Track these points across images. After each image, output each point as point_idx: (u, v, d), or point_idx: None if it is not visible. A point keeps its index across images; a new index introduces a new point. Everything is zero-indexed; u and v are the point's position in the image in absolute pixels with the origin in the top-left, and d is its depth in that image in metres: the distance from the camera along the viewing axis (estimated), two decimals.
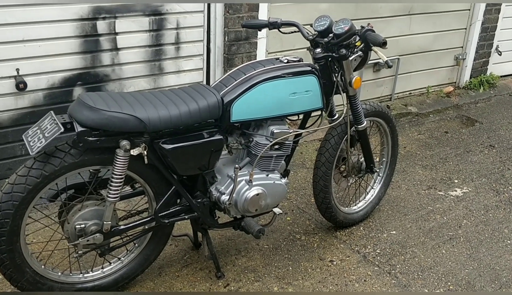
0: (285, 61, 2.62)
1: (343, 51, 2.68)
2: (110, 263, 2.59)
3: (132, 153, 2.21)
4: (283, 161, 2.78)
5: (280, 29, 2.91)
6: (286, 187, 2.74)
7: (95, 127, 2.14)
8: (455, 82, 6.06)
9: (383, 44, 2.49)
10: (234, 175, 2.48)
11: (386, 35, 5.10)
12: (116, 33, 3.60)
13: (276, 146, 2.66)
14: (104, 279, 2.53)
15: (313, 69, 2.64)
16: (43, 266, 2.38)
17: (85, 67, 3.55)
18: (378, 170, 3.28)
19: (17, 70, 3.30)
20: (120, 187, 2.27)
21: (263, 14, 4.14)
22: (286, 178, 2.79)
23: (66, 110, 2.26)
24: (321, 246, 3.11)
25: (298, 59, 2.67)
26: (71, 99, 3.55)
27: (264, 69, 2.54)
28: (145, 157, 2.25)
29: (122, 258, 2.60)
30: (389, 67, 2.54)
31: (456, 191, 3.85)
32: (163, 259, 2.89)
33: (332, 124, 2.86)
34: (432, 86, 5.82)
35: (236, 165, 2.47)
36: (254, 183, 2.60)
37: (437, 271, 2.95)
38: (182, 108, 2.30)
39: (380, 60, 5.06)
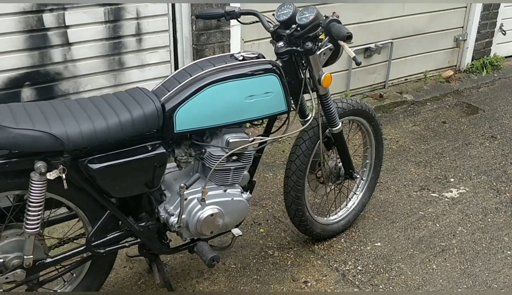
0: (240, 58, 2.24)
1: (309, 44, 2.29)
2: None
3: (48, 177, 1.85)
4: (245, 172, 2.42)
5: (239, 19, 2.52)
6: (248, 203, 2.38)
7: (1, 147, 1.78)
8: (455, 66, 5.63)
9: (347, 38, 2.10)
10: (180, 194, 2.12)
11: (377, 17, 4.72)
12: (67, 26, 3.22)
13: (234, 157, 2.29)
14: None
15: (274, 67, 2.26)
16: None
17: (33, 65, 3.18)
18: (358, 176, 2.90)
19: None
20: (38, 216, 1.92)
21: None
22: (248, 192, 2.42)
23: None
24: (296, 264, 2.76)
25: (256, 55, 2.28)
26: (19, 100, 3.19)
27: (214, 69, 2.16)
28: (64, 181, 1.88)
29: (59, 291, 2.26)
30: (357, 64, 2.15)
31: (451, 192, 3.47)
32: (113, 285, 2.55)
33: (301, 128, 2.48)
34: (430, 71, 5.39)
35: (182, 184, 2.11)
36: (208, 201, 2.24)
37: (426, 292, 2.59)
38: (111, 120, 1.94)
39: (371, 45, 4.75)
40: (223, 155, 2.22)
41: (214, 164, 2.21)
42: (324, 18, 2.24)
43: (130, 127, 1.97)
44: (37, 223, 1.92)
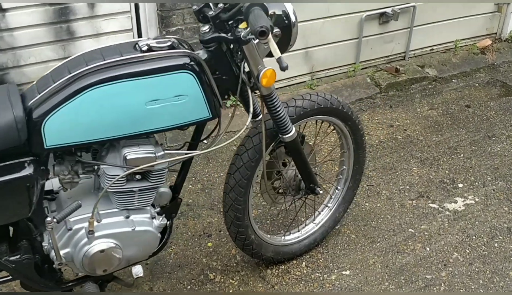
0: (145, 48, 1.69)
1: (241, 30, 1.71)
2: None
3: None
4: (164, 189, 1.91)
5: None
6: (157, 232, 1.88)
7: None
8: (495, 34, 4.79)
9: (259, 34, 1.50)
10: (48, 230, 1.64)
11: None
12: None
13: (139, 176, 1.78)
14: None
15: (189, 62, 1.69)
16: None
17: None
18: (321, 191, 2.32)
19: None
20: None
21: None
22: (164, 215, 1.92)
23: None
24: (238, 294, 2.27)
25: (169, 43, 1.72)
26: None
27: (101, 65, 1.63)
28: None
29: None
30: (282, 69, 1.57)
31: (455, 202, 2.85)
32: None
33: (233, 137, 1.90)
34: (462, 40, 4.60)
35: (49, 218, 1.62)
36: (98, 233, 1.76)
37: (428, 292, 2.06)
38: None
39: (387, 10, 4.02)
40: (119, 175, 1.72)
41: (107, 185, 1.72)
42: None
43: None
44: None
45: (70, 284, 1.90)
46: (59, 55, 3.02)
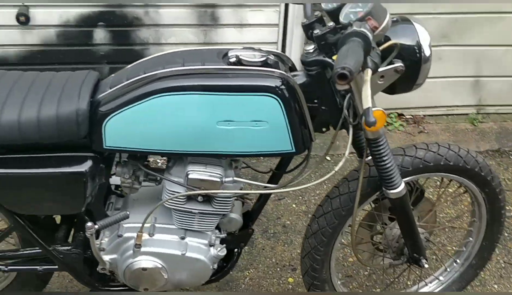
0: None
1: (371, 57, 1.36)
2: None
3: None
4: (234, 216, 1.68)
5: None
6: (209, 262, 1.65)
7: None
8: None
9: (338, 77, 1.12)
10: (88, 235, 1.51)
11: None
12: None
13: (200, 198, 1.57)
14: None
15: (279, 86, 1.41)
16: None
17: (108, 5, 2.78)
18: (426, 265, 1.85)
19: None
20: None
21: None
22: (223, 246, 1.68)
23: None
24: None
25: (263, 58, 1.46)
26: (92, 42, 2.87)
27: (178, 70, 1.43)
28: None
29: None
30: (367, 123, 1.19)
31: None
32: None
33: (321, 179, 1.57)
34: None
35: (89, 223, 1.49)
36: (144, 249, 1.60)
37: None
38: (9, 114, 1.40)
39: None
40: (179, 193, 1.53)
41: (164, 200, 1.55)
42: (359, 23, 1.27)
43: (32, 130, 1.41)
44: None
45: (118, 288, 1.78)
46: (199, 39, 2.93)
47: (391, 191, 1.64)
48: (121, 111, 1.43)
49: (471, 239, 2.00)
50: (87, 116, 1.43)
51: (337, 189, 1.75)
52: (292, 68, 1.58)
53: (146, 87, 1.42)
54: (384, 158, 1.58)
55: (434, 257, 2.23)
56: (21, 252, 1.73)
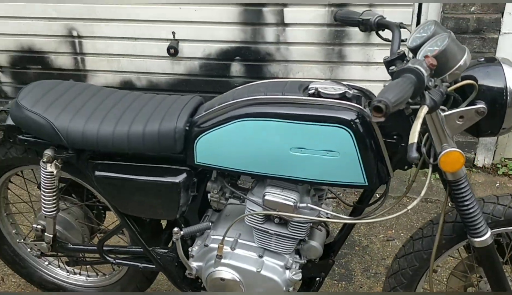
0: (312, 91, 1.54)
1: (431, 94, 1.36)
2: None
3: (45, 168, 1.77)
4: (314, 243, 1.74)
5: (380, 33, 1.74)
6: (282, 284, 1.72)
7: (15, 124, 1.79)
8: None
9: (374, 108, 1.12)
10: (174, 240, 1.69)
11: None
12: (284, 5, 2.93)
13: (276, 220, 1.67)
14: None
15: (349, 119, 1.46)
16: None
17: (245, 41, 3.06)
18: None
19: (173, 33, 3.11)
20: (51, 200, 1.86)
21: None
22: (299, 271, 1.74)
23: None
24: None
25: (342, 91, 1.52)
26: (228, 74, 3.16)
27: (260, 99, 1.56)
28: (52, 176, 1.77)
29: (107, 276, 2.24)
30: (409, 158, 1.16)
31: None
32: None
33: (388, 217, 1.55)
34: None
35: (176, 228, 1.66)
36: (225, 260, 1.73)
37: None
38: (121, 127, 1.67)
39: None
40: (254, 211, 1.65)
41: (243, 216, 1.68)
42: (423, 60, 1.26)
43: (138, 141, 1.66)
44: (52, 207, 1.88)
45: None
46: (325, 75, 3.05)
47: (476, 239, 1.55)
48: (210, 132, 1.60)
49: None
50: (183, 134, 1.63)
51: (421, 230, 1.70)
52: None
53: (231, 112, 1.57)
54: (466, 203, 1.51)
55: None
56: (128, 249, 1.98)
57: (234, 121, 1.57)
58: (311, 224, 1.69)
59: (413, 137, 1.18)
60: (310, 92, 1.54)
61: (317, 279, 1.85)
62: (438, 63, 1.31)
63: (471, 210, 1.52)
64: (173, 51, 3.10)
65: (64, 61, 3.37)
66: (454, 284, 1.82)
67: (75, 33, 3.27)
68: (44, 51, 3.37)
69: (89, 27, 3.23)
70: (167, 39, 3.12)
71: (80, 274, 2.28)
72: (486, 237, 1.54)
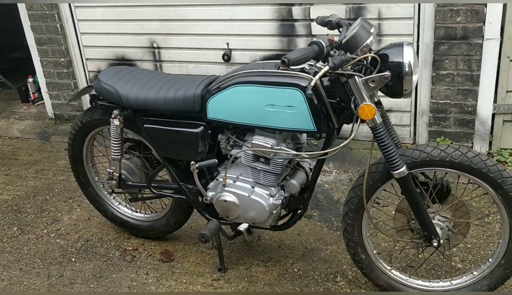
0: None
1: (333, 60, 2.01)
2: None
3: (112, 122, 2.64)
4: (293, 181, 2.43)
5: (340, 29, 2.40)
6: (268, 207, 2.41)
7: (97, 93, 2.68)
8: None
9: (281, 61, 1.80)
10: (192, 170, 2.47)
11: None
12: (311, 20, 3.66)
13: (262, 159, 2.39)
14: None
15: (302, 84, 2.14)
16: None
17: (282, 49, 3.82)
18: (435, 243, 2.22)
19: (227, 44, 3.96)
20: (117, 147, 2.73)
21: (495, 9, 3.12)
22: (279, 198, 2.43)
23: None
24: None
25: (301, 67, 2.23)
26: None
27: (248, 72, 2.31)
28: (119, 128, 2.64)
29: (158, 213, 3.05)
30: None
31: None
32: None
33: (328, 149, 2.21)
34: None
35: (192, 161, 2.44)
36: (227, 188, 2.47)
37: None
38: (160, 93, 2.49)
39: None
40: (244, 151, 2.39)
41: (235, 154, 2.42)
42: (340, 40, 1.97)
43: (171, 103, 2.47)
44: (118, 152, 2.75)
45: (204, 214, 2.67)
46: None
47: (394, 172, 2.16)
48: (216, 95, 2.36)
49: (500, 240, 2.28)
50: (200, 98, 2.41)
51: (364, 170, 2.33)
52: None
53: (229, 81, 2.32)
54: (383, 143, 2.12)
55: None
56: (168, 185, 2.78)
57: (230, 87, 2.32)
58: (286, 163, 2.38)
59: (312, 82, 1.87)
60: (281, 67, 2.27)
61: (298, 211, 2.53)
62: (351, 42, 2.01)
63: (388, 148, 2.13)
64: (226, 58, 3.94)
65: (147, 67, 4.35)
66: (399, 218, 2.41)
67: (155, 45, 4.24)
68: (133, 59, 4.38)
69: (166, 40, 4.18)
70: (223, 49, 3.97)
71: (140, 212, 3.13)
72: (402, 169, 2.14)
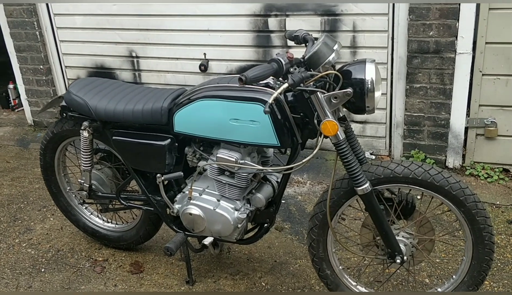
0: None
1: (292, 77, 1.98)
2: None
3: (82, 134, 2.63)
4: (259, 195, 2.43)
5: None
6: (232, 221, 2.41)
7: (67, 104, 2.67)
8: None
9: (238, 79, 1.81)
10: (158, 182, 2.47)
11: None
12: (286, 31, 3.65)
13: (227, 172, 2.39)
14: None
15: (264, 99, 2.15)
16: None
17: (258, 60, 3.83)
18: (398, 260, 2.23)
19: (204, 54, 3.97)
20: (87, 158, 2.72)
21: (467, 24, 3.15)
22: (243, 212, 2.42)
23: None
24: None
25: (266, 82, 2.22)
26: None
27: (213, 86, 2.31)
28: (87, 140, 2.63)
29: (128, 224, 3.04)
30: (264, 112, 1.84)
31: None
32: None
33: (294, 164, 2.20)
34: None
35: (158, 174, 2.44)
36: (193, 201, 2.46)
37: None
38: (129, 106, 2.48)
39: None
40: (208, 164, 2.39)
41: (200, 167, 2.42)
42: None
43: (139, 116, 2.46)
44: (88, 162, 2.74)
45: (171, 227, 2.66)
46: None
47: (358, 188, 2.17)
48: (182, 108, 2.36)
49: (464, 257, 2.29)
50: (167, 111, 2.41)
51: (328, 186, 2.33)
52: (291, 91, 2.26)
53: (195, 95, 2.33)
54: (346, 159, 2.13)
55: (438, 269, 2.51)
56: (137, 196, 2.77)
57: (196, 101, 2.32)
58: (252, 177, 2.38)
59: (270, 99, 1.87)
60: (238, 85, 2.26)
61: (265, 225, 2.53)
62: (313, 59, 2.02)
63: (351, 165, 2.14)
64: (203, 68, 3.94)
65: (126, 76, 4.34)
66: (365, 233, 2.41)
67: (134, 54, 4.23)
68: (112, 67, 4.37)
69: (144, 49, 4.18)
70: (200, 59, 3.97)
71: (111, 222, 3.12)
72: (366, 186, 2.14)
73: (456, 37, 3.19)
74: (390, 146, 3.74)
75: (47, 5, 4.35)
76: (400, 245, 2.26)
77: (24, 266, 3.00)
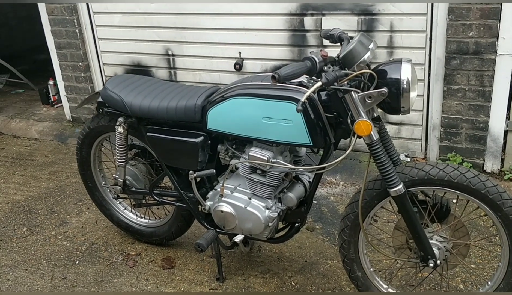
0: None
1: (326, 75, 1.97)
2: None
3: (117, 130, 2.67)
4: (290, 194, 2.42)
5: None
6: (262, 219, 2.40)
7: (103, 100, 2.72)
8: None
9: (271, 76, 1.79)
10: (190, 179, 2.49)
11: None
12: (321, 30, 3.62)
13: (259, 171, 2.39)
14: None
15: (297, 97, 2.14)
16: None
17: (293, 59, 3.82)
18: (431, 264, 2.17)
19: (239, 53, 3.98)
20: (122, 153, 2.76)
21: (509, 25, 3.06)
22: (275, 211, 2.42)
23: None
24: None
25: (299, 81, 2.21)
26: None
27: (246, 84, 2.31)
28: (125, 136, 2.68)
29: (161, 219, 3.08)
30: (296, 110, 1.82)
31: None
32: None
33: (322, 165, 2.18)
34: None
35: (191, 171, 2.45)
36: (225, 199, 2.47)
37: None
38: (163, 103, 2.51)
39: None
40: (240, 162, 2.39)
41: (232, 165, 2.43)
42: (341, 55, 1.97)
43: (172, 113, 2.49)
44: (122, 158, 2.79)
45: (203, 224, 2.68)
46: None
47: (391, 190, 2.13)
48: (216, 106, 2.37)
49: (500, 263, 2.22)
50: (200, 108, 2.43)
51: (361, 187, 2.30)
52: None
53: (228, 93, 2.34)
54: (380, 160, 2.10)
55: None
56: (170, 192, 2.80)
57: (229, 99, 2.33)
58: (283, 176, 2.37)
59: (303, 97, 1.86)
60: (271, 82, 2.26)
61: (296, 224, 2.52)
62: (347, 58, 1.99)
63: (384, 166, 2.10)
64: (238, 67, 3.95)
65: (162, 74, 4.40)
66: (397, 236, 2.37)
67: (170, 52, 4.29)
68: (149, 65, 4.44)
69: (180, 48, 4.22)
70: (235, 58, 3.99)
71: (144, 217, 3.16)
72: (399, 187, 2.10)
73: (497, 38, 3.10)
74: (426, 149, 3.67)
75: (87, 3, 4.44)
76: (434, 248, 2.21)
77: (59, 258, 3.07)
